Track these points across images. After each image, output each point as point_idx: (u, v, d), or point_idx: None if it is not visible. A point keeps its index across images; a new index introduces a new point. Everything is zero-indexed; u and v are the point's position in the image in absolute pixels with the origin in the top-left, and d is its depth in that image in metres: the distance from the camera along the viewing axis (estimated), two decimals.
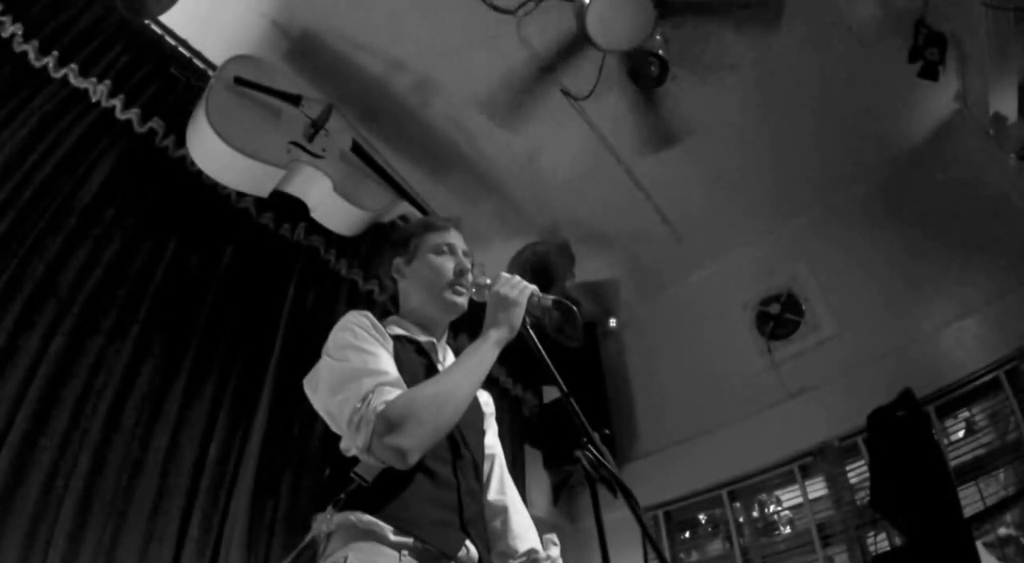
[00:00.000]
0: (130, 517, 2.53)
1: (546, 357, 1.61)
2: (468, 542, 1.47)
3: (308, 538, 1.46)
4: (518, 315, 1.61)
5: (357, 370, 1.45)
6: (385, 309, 1.85)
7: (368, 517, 1.38)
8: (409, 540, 1.37)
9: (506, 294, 1.62)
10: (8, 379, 2.37)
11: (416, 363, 1.63)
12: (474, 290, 1.74)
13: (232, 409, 3.01)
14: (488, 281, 1.71)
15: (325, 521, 1.44)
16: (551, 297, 1.68)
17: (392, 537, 1.36)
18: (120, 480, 2.54)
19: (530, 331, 1.64)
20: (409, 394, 1.41)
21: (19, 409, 2.34)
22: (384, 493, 1.41)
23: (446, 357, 1.78)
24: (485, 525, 1.63)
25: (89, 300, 2.69)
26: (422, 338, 1.73)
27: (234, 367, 3.10)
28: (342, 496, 1.42)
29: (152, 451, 2.69)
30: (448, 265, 1.77)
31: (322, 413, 1.51)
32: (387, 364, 1.51)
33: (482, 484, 1.65)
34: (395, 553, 1.36)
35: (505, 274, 1.69)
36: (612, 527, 1.45)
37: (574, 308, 1.69)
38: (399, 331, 1.70)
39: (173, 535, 2.61)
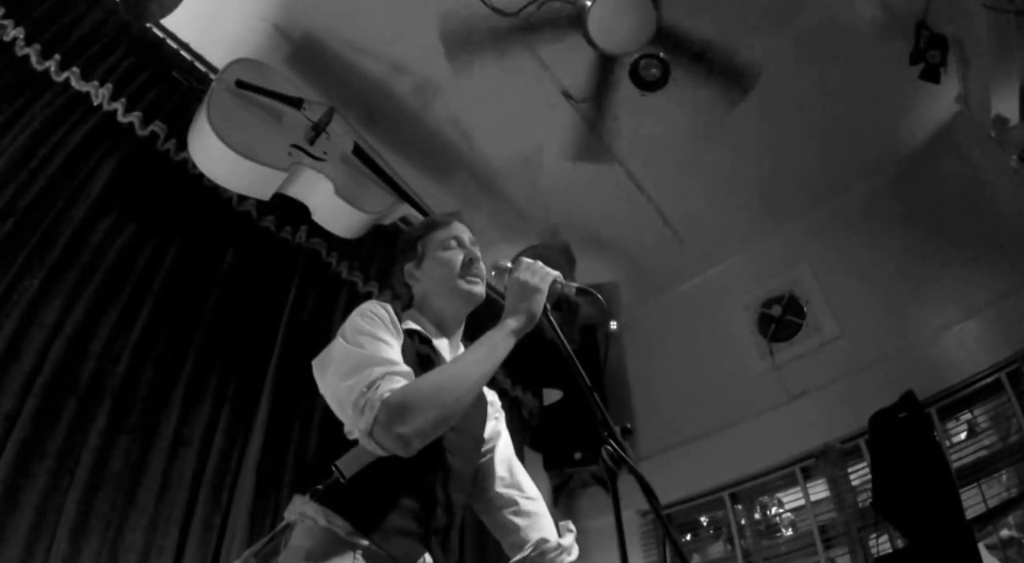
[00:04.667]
0: (132, 519, 2.53)
1: (568, 346, 1.54)
2: (427, 555, 1.46)
3: (283, 523, 1.47)
4: (539, 302, 1.56)
5: (369, 357, 1.44)
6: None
7: (330, 516, 1.39)
8: (364, 542, 1.37)
9: (527, 280, 1.58)
10: (10, 382, 2.37)
11: (425, 359, 1.62)
12: (493, 273, 1.69)
13: (233, 411, 3.01)
14: (509, 265, 1.66)
15: (295, 508, 1.45)
16: (575, 284, 1.64)
17: (348, 537, 1.37)
18: (122, 482, 2.55)
19: (551, 319, 1.59)
20: (414, 383, 1.40)
21: (21, 410, 2.35)
22: (356, 492, 1.41)
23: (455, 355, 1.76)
24: (457, 536, 1.60)
25: (91, 302, 2.70)
26: (435, 338, 1.71)
27: (235, 369, 3.11)
28: (319, 487, 1.43)
29: (154, 452, 2.70)
30: (457, 257, 1.76)
31: (328, 397, 1.49)
32: (398, 355, 1.50)
33: (462, 497, 1.61)
34: (349, 553, 1.36)
35: (527, 259, 1.65)
36: (612, 527, 1.44)
37: (598, 295, 1.65)
38: (413, 325, 1.69)
39: (175, 536, 2.61)
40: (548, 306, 1.59)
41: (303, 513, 1.42)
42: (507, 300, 1.59)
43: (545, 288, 1.58)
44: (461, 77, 3.52)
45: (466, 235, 1.83)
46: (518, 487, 1.77)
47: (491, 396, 1.88)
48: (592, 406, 1.46)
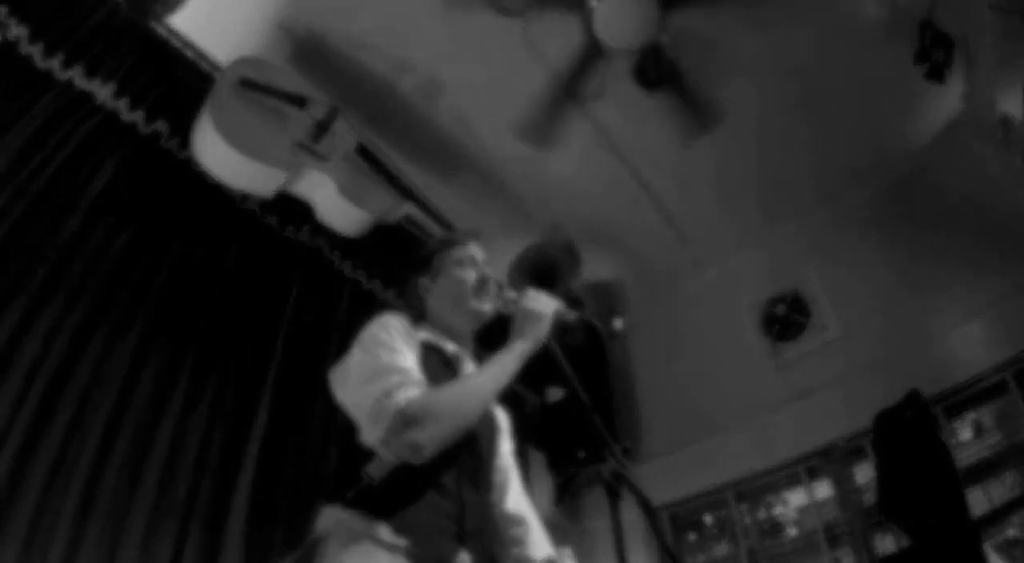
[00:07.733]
0: (130, 518, 2.53)
1: (569, 369, 1.68)
2: (464, 552, 1.48)
3: (315, 535, 1.49)
4: (545, 328, 1.69)
5: (385, 366, 1.51)
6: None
7: (367, 519, 1.41)
8: (404, 543, 1.40)
9: (534, 308, 1.71)
10: (10, 380, 2.36)
11: (439, 370, 1.67)
12: (501, 302, 1.82)
13: (234, 408, 3.02)
14: (515, 295, 1.80)
15: (328, 518, 1.48)
16: (575, 313, 1.76)
17: (387, 539, 1.39)
18: (121, 481, 2.55)
19: (555, 344, 1.71)
20: (429, 393, 1.47)
21: (21, 407, 2.35)
22: (389, 495, 1.45)
23: (469, 368, 1.83)
24: (485, 537, 1.65)
25: (93, 299, 2.70)
26: (449, 347, 1.78)
27: (236, 366, 3.11)
28: (349, 494, 1.46)
29: (154, 451, 2.70)
30: (470, 277, 1.85)
31: (347, 405, 1.56)
32: (413, 364, 1.56)
33: (488, 496, 1.69)
34: (389, 555, 1.38)
35: (532, 290, 1.77)
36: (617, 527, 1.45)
37: (597, 325, 1.75)
38: (428, 336, 1.76)
39: (173, 534, 2.61)
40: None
41: (340, 521, 1.45)
42: (515, 325, 1.71)
43: (550, 314, 1.71)
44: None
45: (480, 256, 1.92)
46: (524, 508, 1.83)
47: (498, 411, 1.93)
48: (593, 425, 1.59)
